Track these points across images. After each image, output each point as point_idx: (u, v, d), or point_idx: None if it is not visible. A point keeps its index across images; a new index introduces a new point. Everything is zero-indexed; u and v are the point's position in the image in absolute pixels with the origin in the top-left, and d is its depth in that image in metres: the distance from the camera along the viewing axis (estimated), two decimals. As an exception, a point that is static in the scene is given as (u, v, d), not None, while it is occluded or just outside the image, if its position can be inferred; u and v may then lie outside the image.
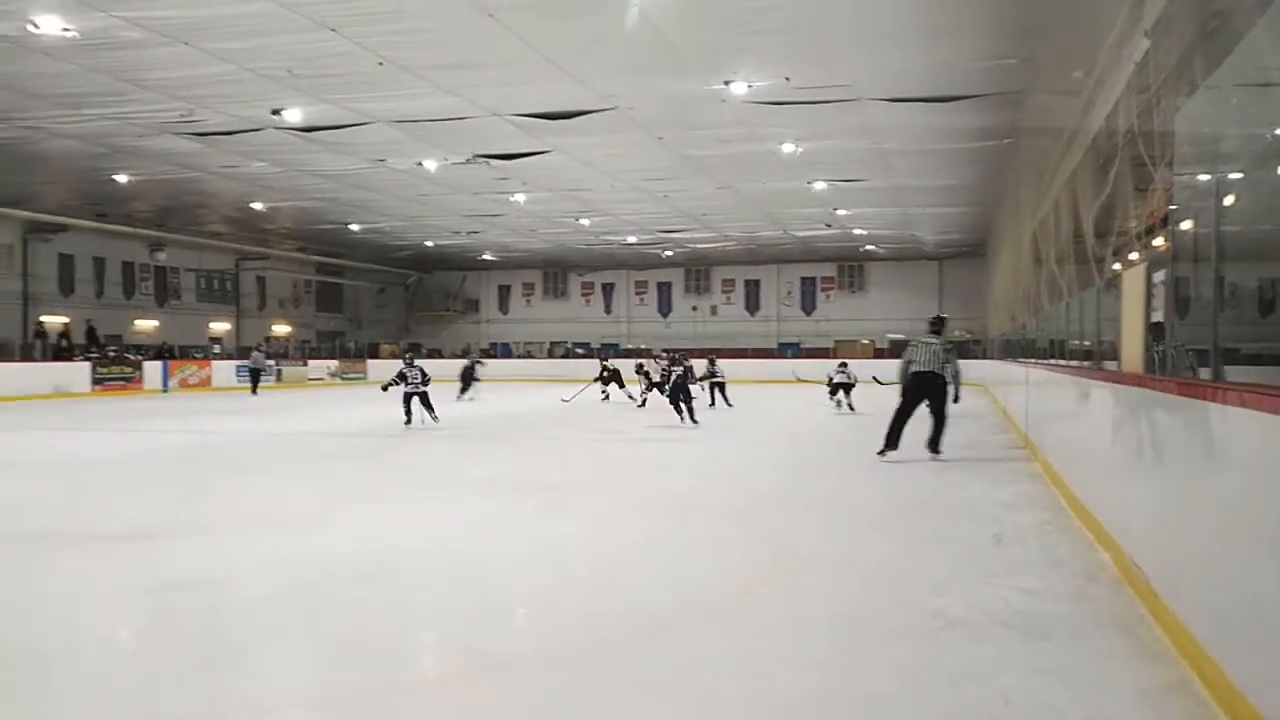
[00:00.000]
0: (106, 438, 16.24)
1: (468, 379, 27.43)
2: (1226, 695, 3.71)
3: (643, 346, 41.71)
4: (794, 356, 38.09)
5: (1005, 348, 22.91)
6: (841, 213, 31.53)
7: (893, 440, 12.17)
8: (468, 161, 23.25)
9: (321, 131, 20.10)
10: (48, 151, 21.95)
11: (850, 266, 46.33)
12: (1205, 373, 4.78)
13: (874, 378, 23.13)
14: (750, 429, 18.07)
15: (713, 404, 22.87)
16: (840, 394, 21.42)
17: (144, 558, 6.65)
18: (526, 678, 4.34)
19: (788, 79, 16.17)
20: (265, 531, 7.70)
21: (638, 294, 50.20)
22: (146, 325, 36.61)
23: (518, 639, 5.10)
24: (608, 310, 50.58)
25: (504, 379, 35.10)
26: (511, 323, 51.79)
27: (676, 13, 13.22)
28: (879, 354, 40.54)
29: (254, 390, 31.85)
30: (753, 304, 48.28)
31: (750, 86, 16.61)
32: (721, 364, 24.24)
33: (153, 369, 31.78)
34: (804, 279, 47.27)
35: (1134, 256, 8.24)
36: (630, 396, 24.36)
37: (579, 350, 45.27)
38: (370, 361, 43.28)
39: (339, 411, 22.52)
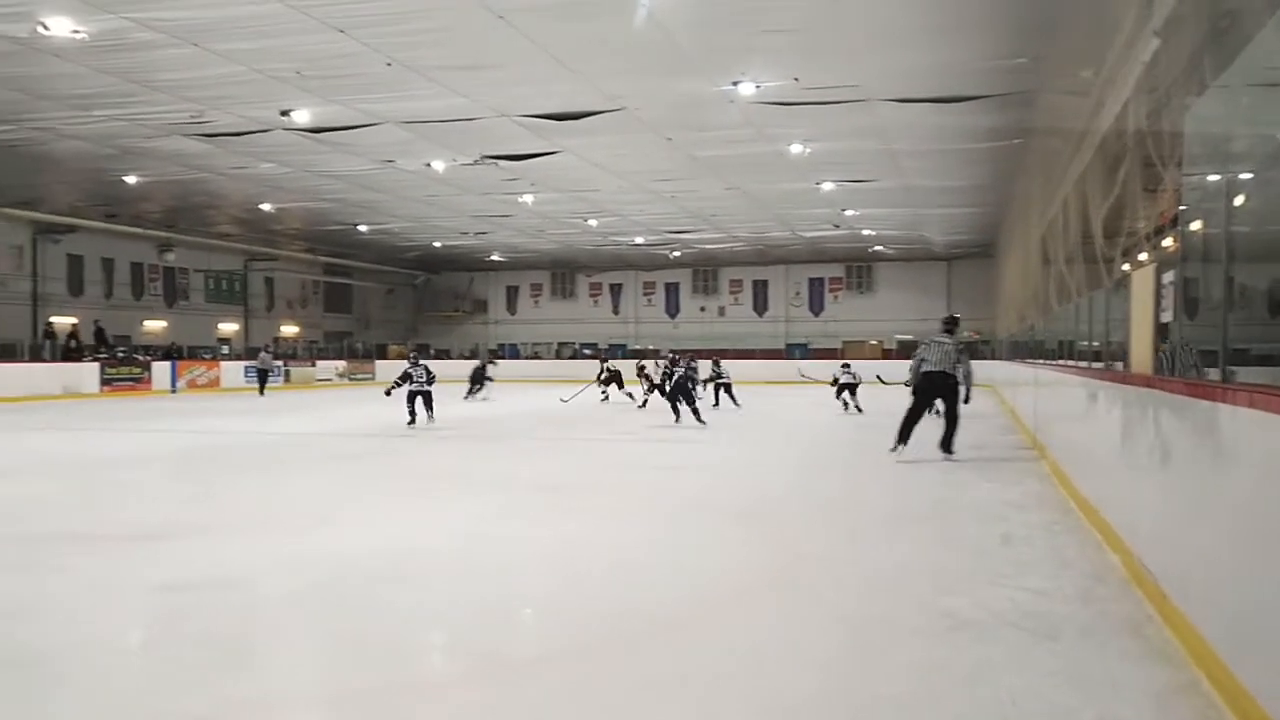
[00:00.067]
0: (115, 438, 16.29)
1: (478, 379, 27.52)
2: (1236, 697, 3.70)
3: (650, 347, 41.70)
4: (802, 357, 38.01)
5: (1013, 348, 22.88)
6: (850, 213, 31.50)
7: (904, 436, 12.16)
8: (476, 162, 23.28)
9: (330, 132, 20.13)
10: (57, 152, 22.01)
11: (858, 267, 46.30)
12: (1213, 373, 4.78)
13: (877, 376, 23.09)
14: (757, 429, 18.04)
15: (716, 404, 22.86)
16: (846, 394, 21.38)
17: (152, 558, 6.66)
18: (534, 677, 4.35)
19: (796, 79, 16.16)
20: (274, 532, 7.70)
21: (645, 295, 50.19)
22: (155, 326, 36.72)
23: (525, 639, 5.11)
24: (615, 311, 50.60)
25: (511, 379, 35.03)
26: (519, 323, 51.83)
27: (685, 13, 13.23)
28: (887, 354, 40.50)
29: (261, 391, 31.89)
30: (760, 305, 48.25)
31: (758, 87, 16.61)
32: (728, 365, 24.24)
33: (161, 369, 31.87)
34: (812, 280, 47.25)
35: (1143, 257, 8.24)
36: (630, 396, 24.43)
37: (586, 351, 45.27)
38: (378, 362, 43.32)
39: (346, 412, 22.55)
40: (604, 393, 25.54)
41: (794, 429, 18.37)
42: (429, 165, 23.71)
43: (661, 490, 10.23)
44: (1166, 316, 5.63)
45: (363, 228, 35.75)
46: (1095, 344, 8.97)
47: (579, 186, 26.90)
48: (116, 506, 9.27)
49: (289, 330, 44.26)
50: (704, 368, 24.97)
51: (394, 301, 51.79)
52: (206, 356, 35.57)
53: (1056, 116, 14.27)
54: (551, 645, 4.90)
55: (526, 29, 13.76)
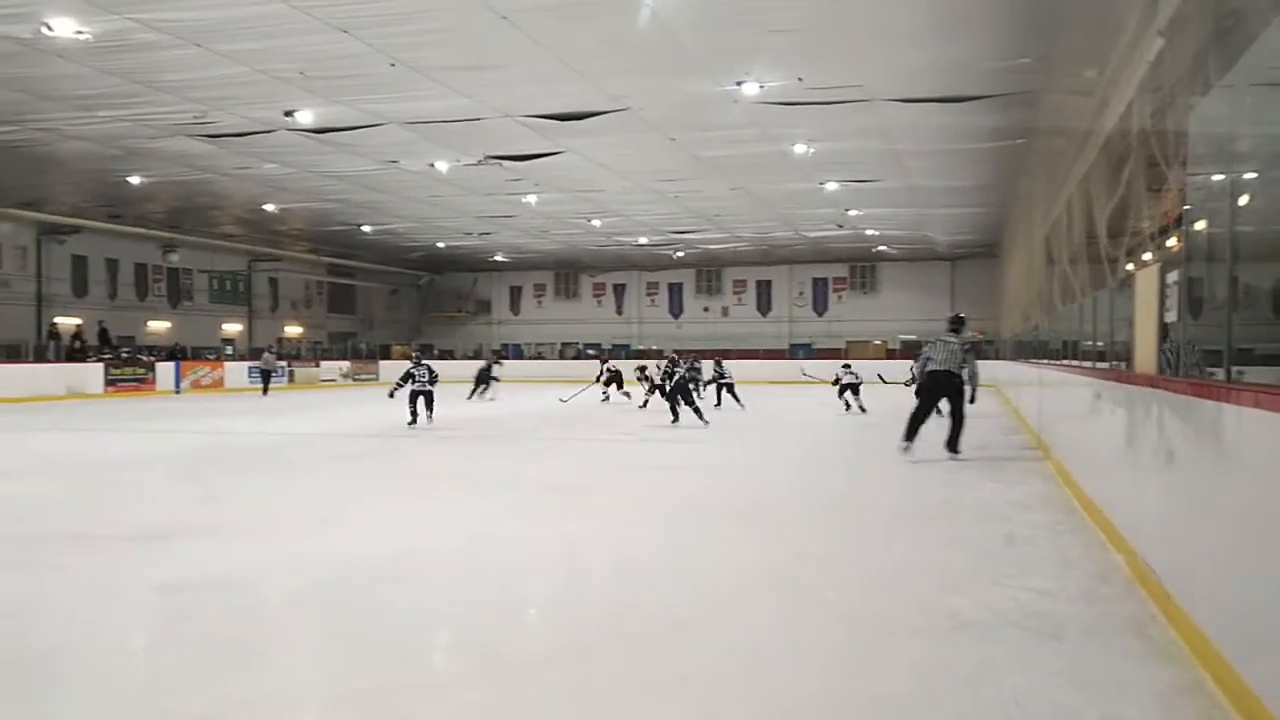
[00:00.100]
0: (119, 438, 16.31)
1: (484, 379, 27.61)
2: (1240, 697, 3.70)
3: (653, 348, 41.71)
4: (805, 357, 37.99)
5: (1018, 348, 22.87)
6: (854, 213, 31.49)
7: (910, 435, 12.17)
8: (480, 163, 23.28)
9: (334, 133, 20.14)
10: (61, 153, 22.03)
11: (862, 267, 46.27)
12: (1217, 373, 4.77)
13: (878, 375, 23.09)
14: (759, 429, 18.03)
15: (719, 404, 22.91)
16: (849, 394, 21.37)
17: (154, 558, 6.67)
18: (535, 677, 4.35)
19: (800, 79, 16.15)
20: (276, 532, 7.71)
21: (649, 295, 50.20)
22: (159, 326, 36.75)
23: (527, 638, 5.11)
24: (619, 311, 50.60)
25: (516, 380, 35.04)
26: (523, 324, 51.84)
27: (689, 13, 13.22)
28: (891, 355, 40.49)
29: (265, 391, 31.96)
30: (764, 305, 48.24)
31: (762, 87, 16.60)
32: (732, 366, 24.30)
33: (165, 370, 31.91)
34: (816, 280, 47.24)
35: (1147, 257, 8.23)
36: (627, 395, 24.58)
37: (590, 351, 45.28)
38: (382, 363, 43.34)
39: (350, 412, 22.55)
40: (605, 393, 25.55)
41: (796, 429, 18.37)
42: (433, 166, 23.72)
43: (662, 490, 10.22)
44: (1171, 316, 5.62)
45: (366, 228, 35.76)
46: (1099, 344, 8.96)
47: (583, 187, 26.89)
48: (119, 507, 9.28)
49: (293, 331, 44.30)
50: (707, 368, 25.09)
51: (398, 302, 51.82)
52: (210, 357, 35.61)
53: (1060, 116, 14.25)
54: (553, 645, 4.91)
55: (530, 29, 13.76)
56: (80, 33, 13.91)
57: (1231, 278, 4.43)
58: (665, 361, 19.88)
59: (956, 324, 12.60)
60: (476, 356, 42.64)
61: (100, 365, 29.67)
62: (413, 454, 13.95)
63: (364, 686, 4.21)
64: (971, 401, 12.20)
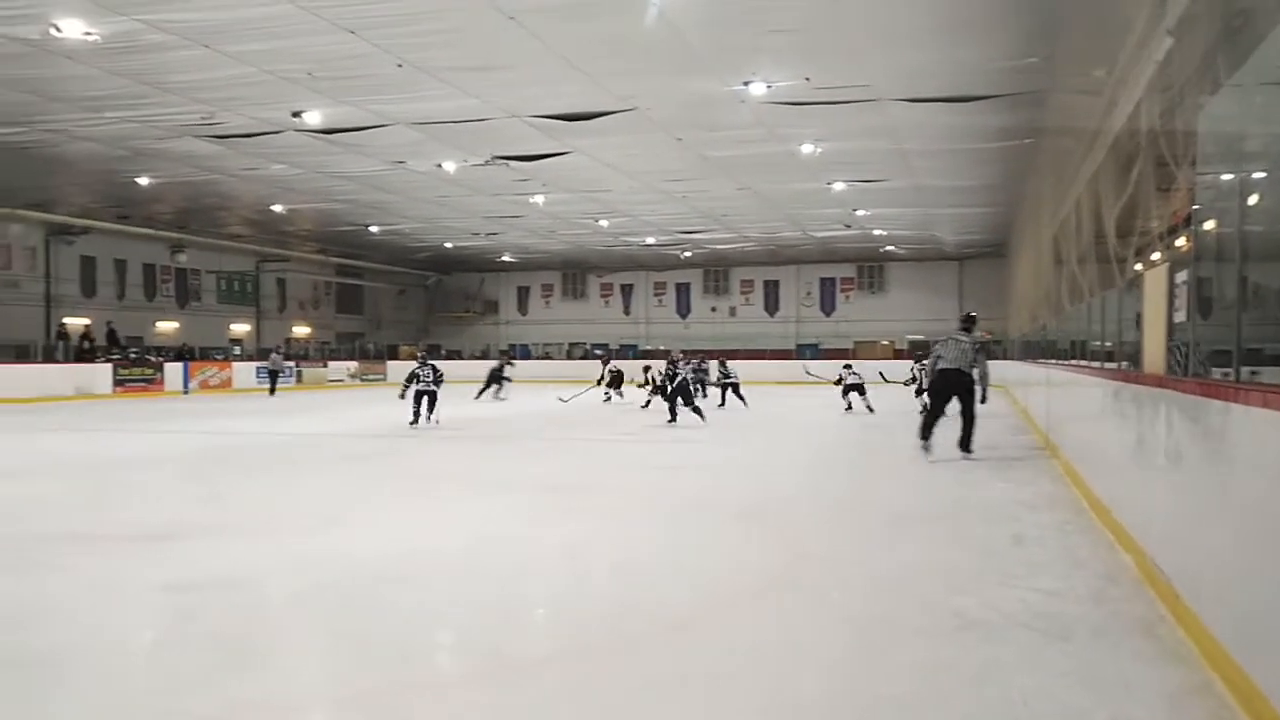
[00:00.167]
0: (127, 439, 16.34)
1: (495, 379, 27.75)
2: (1249, 698, 3.68)
3: (660, 348, 41.70)
4: (813, 357, 37.93)
5: (1026, 348, 22.82)
6: (861, 213, 31.47)
7: (926, 435, 12.18)
8: (487, 163, 23.30)
9: (341, 134, 20.16)
10: (70, 154, 22.08)
11: (870, 267, 46.24)
12: (1217, 372, 4.76)
13: (880, 374, 23.09)
14: (764, 429, 18.01)
15: (722, 404, 22.98)
16: (853, 395, 21.36)
17: (159, 558, 6.67)
18: (537, 677, 4.34)
19: (807, 79, 16.14)
20: (281, 532, 7.72)
21: (656, 295, 50.21)
22: (167, 327, 36.85)
23: (529, 639, 5.11)
24: (626, 311, 50.62)
25: (526, 380, 35.05)
26: (530, 324, 51.88)
27: (696, 13, 13.21)
28: (899, 355, 40.44)
29: (272, 391, 32.05)
30: (772, 305, 48.22)
31: (769, 87, 16.59)
32: (738, 366, 24.43)
33: (173, 370, 31.98)
34: (823, 280, 47.21)
35: (1156, 257, 8.20)
36: (620, 396, 24.86)
37: (598, 351, 45.29)
38: (390, 363, 43.36)
39: (357, 413, 22.56)
40: (607, 394, 25.57)
41: (801, 429, 18.35)
42: (440, 166, 23.73)
43: (665, 490, 10.22)
44: (1180, 316, 5.60)
45: (374, 229, 35.80)
46: (1108, 344, 8.94)
47: (590, 187, 26.90)
48: (125, 507, 9.30)
49: (301, 331, 44.37)
50: (713, 369, 25.20)
51: (405, 302, 51.88)
52: (218, 357, 35.69)
53: (1068, 116, 14.21)
54: (555, 645, 4.91)
55: (537, 30, 13.76)
56: (89, 34, 13.94)
57: (1241, 277, 4.41)
58: (666, 363, 19.91)
59: (968, 323, 12.59)
60: (484, 357, 42.81)
61: (108, 366, 29.73)
62: (417, 454, 13.95)
63: (367, 686, 4.21)
64: (982, 401, 12.19)
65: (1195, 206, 5.70)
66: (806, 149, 21.45)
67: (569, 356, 47.07)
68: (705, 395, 24.89)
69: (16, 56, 14.99)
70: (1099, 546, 6.82)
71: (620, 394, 25.20)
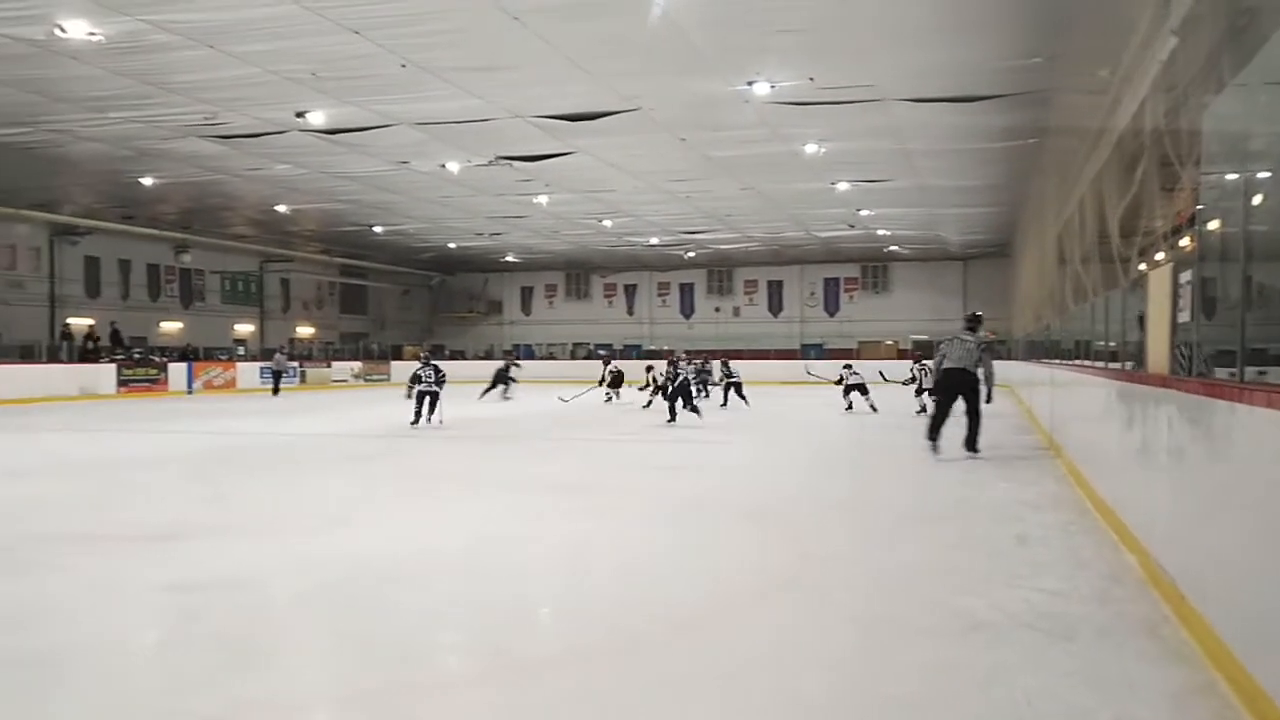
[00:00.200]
0: (131, 439, 16.36)
1: (500, 379, 27.91)
2: (1253, 698, 3.68)
3: (664, 348, 41.70)
4: (817, 357, 37.97)
5: (1030, 348, 22.81)
6: (865, 213, 31.45)
7: (934, 435, 12.18)
8: (491, 163, 23.31)
9: (345, 134, 20.19)
10: (74, 154, 22.11)
11: (874, 267, 46.21)
12: (1222, 372, 4.75)
13: (879, 372, 23.12)
14: (768, 429, 18.01)
15: (725, 404, 23.11)
16: (855, 394, 21.37)
17: (163, 558, 6.68)
18: (542, 678, 4.34)
19: (811, 79, 16.13)
20: (285, 532, 7.72)
21: (660, 295, 50.20)
22: (171, 327, 36.88)
23: (533, 639, 5.09)
24: (630, 312, 50.61)
25: (531, 380, 35.07)
26: (534, 324, 51.89)
27: (699, 13, 13.21)
28: (903, 355, 40.43)
29: (275, 391, 32.08)
30: (775, 305, 48.20)
31: (773, 87, 16.59)
32: (741, 366, 24.61)
33: (177, 370, 32.00)
34: (827, 280, 47.18)
35: (1160, 256, 8.20)
36: (617, 396, 24.90)
37: (601, 352, 45.30)
38: (394, 363, 43.39)
39: (361, 413, 22.56)
40: (608, 394, 25.61)
41: (804, 428, 18.33)
42: (444, 166, 23.75)
43: (669, 490, 10.21)
44: (1184, 316, 5.59)
45: (378, 229, 35.83)
46: (1112, 344, 8.94)
47: (594, 187, 26.92)
48: (128, 507, 9.29)
49: (305, 331, 44.40)
50: (716, 369, 25.31)
51: (409, 302, 51.90)
52: (222, 357, 35.71)
53: (1073, 115, 14.21)
54: (560, 646, 4.90)
55: (541, 30, 13.77)
56: (93, 34, 13.96)
57: (1245, 277, 4.41)
58: (667, 363, 19.98)
59: (973, 322, 12.60)
60: (488, 357, 42.98)
61: (113, 366, 29.76)
62: (421, 455, 13.96)
63: (371, 687, 4.21)
64: (988, 401, 12.20)
65: (1199, 206, 5.70)
66: (810, 149, 21.45)
67: (572, 357, 47.03)
68: (707, 395, 24.99)
69: (21, 57, 15.02)
70: (1103, 547, 6.81)
71: (618, 394, 25.25)
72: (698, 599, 5.67)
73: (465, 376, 32.20)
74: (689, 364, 24.15)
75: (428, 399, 17.21)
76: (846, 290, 47.16)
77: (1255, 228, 4.39)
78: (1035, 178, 21.47)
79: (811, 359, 36.80)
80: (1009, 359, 30.61)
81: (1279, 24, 4.26)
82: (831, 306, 47.37)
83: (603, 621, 5.18)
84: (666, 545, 7.25)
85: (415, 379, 17.35)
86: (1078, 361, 11.92)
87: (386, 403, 23.30)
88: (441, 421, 17.21)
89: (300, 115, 18.63)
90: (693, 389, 18.96)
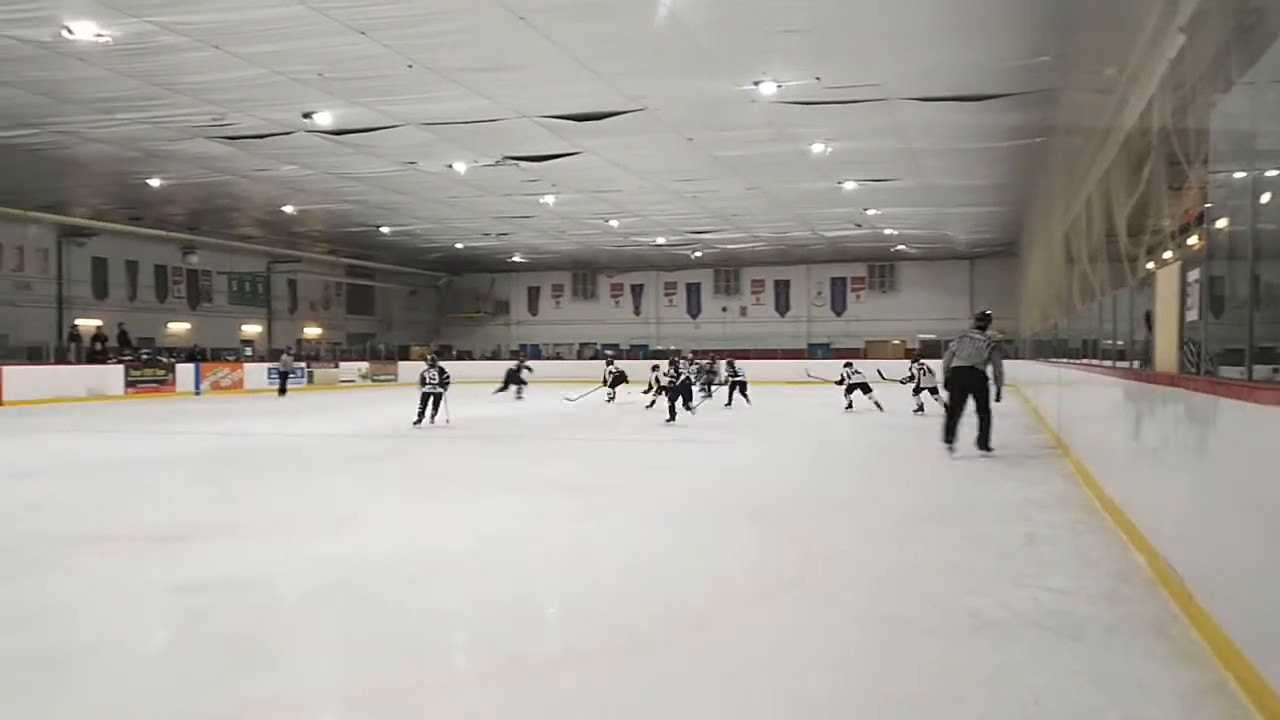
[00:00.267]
0: (139, 440, 16.38)
1: (512, 379, 28.31)
2: (1263, 697, 3.67)
3: (671, 348, 41.70)
4: (824, 357, 37.98)
5: (1037, 347, 22.78)
6: (872, 212, 31.42)
7: (950, 435, 12.18)
8: (497, 164, 23.32)
9: (352, 134, 20.20)
10: (81, 156, 22.16)
11: (881, 266, 46.16)
12: (1229, 371, 4.74)
13: (878, 371, 23.14)
14: (772, 429, 18.01)
15: (729, 403, 23.22)
16: (857, 393, 21.40)
17: (170, 559, 6.69)
18: (548, 678, 4.35)
19: (817, 79, 16.11)
20: (292, 533, 7.73)
21: (667, 295, 50.19)
22: (179, 328, 36.94)
23: (540, 639, 5.09)
24: (637, 311, 50.61)
25: (541, 380, 35.10)
26: (541, 324, 51.90)
27: (706, 12, 13.21)
28: (910, 354, 40.40)
29: (282, 391, 32.15)
30: (782, 305, 48.17)
31: (780, 86, 16.57)
32: (748, 366, 24.82)
33: (185, 371, 32.04)
34: (834, 279, 47.14)
35: (1168, 255, 8.17)
36: (614, 398, 24.79)
37: (608, 352, 45.32)
38: (401, 363, 43.44)
39: (368, 413, 22.60)
40: (610, 394, 25.69)
41: (808, 427, 18.33)
42: (450, 167, 23.77)
43: (674, 490, 10.20)
44: (1192, 315, 5.58)
45: (385, 229, 35.87)
46: (1119, 343, 8.92)
47: (600, 187, 26.92)
48: (136, 508, 9.30)
49: (312, 332, 44.46)
50: (722, 368, 25.43)
51: (416, 303, 51.93)
52: (230, 358, 35.77)
53: (1079, 114, 14.18)
54: (566, 645, 4.90)
55: (547, 30, 13.77)
56: (100, 36, 13.99)
57: (1253, 276, 4.40)
58: (668, 363, 20.06)
59: (983, 321, 12.60)
60: (495, 357, 43.19)
61: (120, 367, 29.81)
62: (427, 455, 13.96)
63: (378, 686, 4.21)
64: (997, 399, 12.19)
65: (1207, 205, 5.68)
66: (817, 148, 21.43)
67: (579, 357, 47.03)
68: (710, 395, 25.05)
69: (29, 59, 15.05)
70: (1111, 546, 6.79)
71: (614, 395, 25.42)
72: (701, 599, 5.67)
73: (472, 377, 32.36)
74: (691, 364, 24.26)
75: (431, 400, 17.37)
76: (853, 290, 47.12)
77: (1263, 226, 4.38)
78: (1042, 177, 21.43)
79: (818, 359, 36.80)
80: (1016, 358, 30.59)
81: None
82: (838, 306, 47.33)
83: (605, 622, 5.18)
84: (669, 545, 7.25)
85: (421, 380, 17.53)
86: (1085, 360, 11.90)
87: (394, 403, 23.34)
88: (448, 421, 17.36)
89: (307, 116, 18.65)
90: (694, 389, 18.97)
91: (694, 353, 31.00)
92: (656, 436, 16.14)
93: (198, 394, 31.73)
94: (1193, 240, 7.19)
